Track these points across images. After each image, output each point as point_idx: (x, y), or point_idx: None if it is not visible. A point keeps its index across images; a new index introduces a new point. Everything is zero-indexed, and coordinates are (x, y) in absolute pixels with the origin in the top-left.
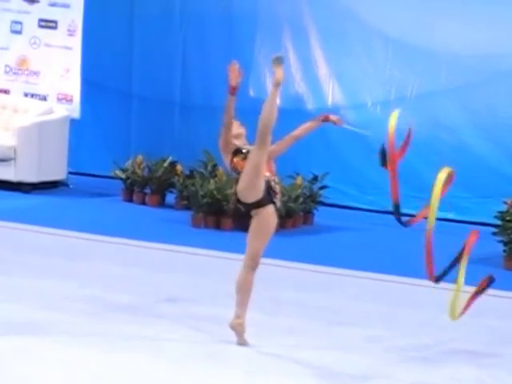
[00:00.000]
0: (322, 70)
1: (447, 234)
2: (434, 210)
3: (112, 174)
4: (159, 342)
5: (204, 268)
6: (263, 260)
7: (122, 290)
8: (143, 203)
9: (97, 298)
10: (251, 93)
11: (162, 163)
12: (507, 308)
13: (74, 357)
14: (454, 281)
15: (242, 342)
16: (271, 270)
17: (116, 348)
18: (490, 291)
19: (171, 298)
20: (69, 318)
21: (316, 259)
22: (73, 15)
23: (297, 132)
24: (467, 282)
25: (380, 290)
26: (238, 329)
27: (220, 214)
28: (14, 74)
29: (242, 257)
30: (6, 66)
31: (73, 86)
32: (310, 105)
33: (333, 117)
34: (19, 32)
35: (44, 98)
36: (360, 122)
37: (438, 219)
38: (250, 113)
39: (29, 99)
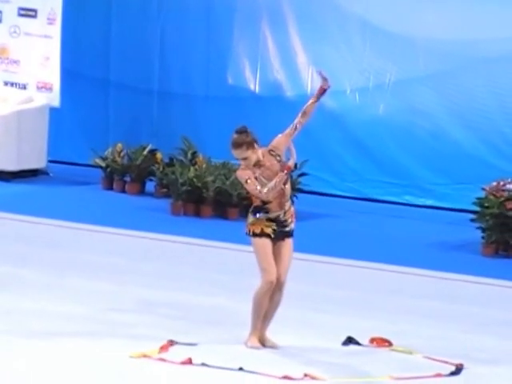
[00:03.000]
0: (301, 58)
1: (426, 220)
2: None
3: (92, 163)
4: (137, 329)
5: (184, 256)
6: (240, 247)
7: (102, 278)
8: (123, 191)
9: (77, 287)
10: (230, 81)
11: (141, 151)
12: (485, 294)
13: (52, 343)
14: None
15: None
16: (248, 257)
17: (99, 335)
18: (468, 277)
19: (153, 286)
20: (49, 306)
21: (295, 246)
22: (52, 4)
23: (306, 114)
24: (443, 269)
25: (359, 277)
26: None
27: (199, 202)
28: None
29: (222, 244)
30: None
31: (52, 74)
32: (289, 92)
33: (322, 82)
34: None
35: (24, 87)
36: (339, 109)
37: (417, 206)
38: (228, 100)
39: (8, 88)
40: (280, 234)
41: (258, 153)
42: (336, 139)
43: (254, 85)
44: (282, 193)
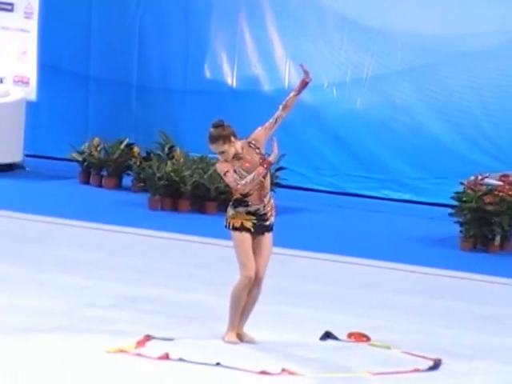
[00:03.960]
0: (279, 52)
1: (404, 215)
2: None
3: (69, 157)
4: (115, 325)
5: (162, 250)
6: (218, 241)
7: (79, 272)
8: (100, 186)
9: (55, 282)
10: (208, 75)
11: (118, 145)
12: (464, 289)
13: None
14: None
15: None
16: (226, 251)
17: (76, 331)
18: (446, 272)
19: (130, 281)
20: (25, 301)
21: (273, 241)
22: None
23: (287, 107)
24: (421, 263)
25: (337, 272)
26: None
27: (177, 196)
28: None
29: (200, 239)
30: None
31: (29, 68)
32: (267, 86)
33: (304, 75)
34: None
35: (0, 81)
36: (316, 103)
37: (395, 200)
38: (206, 95)
39: None
40: (260, 228)
41: (237, 145)
42: (314, 133)
43: (231, 79)
44: (261, 185)
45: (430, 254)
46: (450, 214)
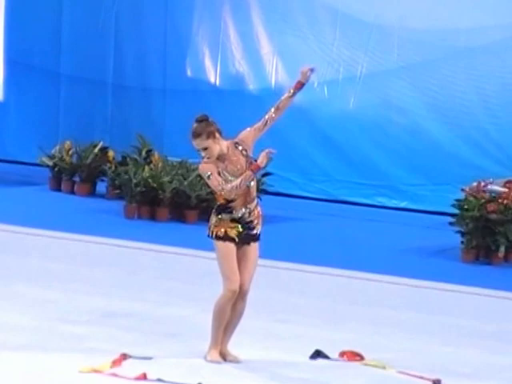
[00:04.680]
0: (265, 48)
1: (400, 224)
2: None
3: (38, 161)
4: (88, 342)
5: (138, 262)
6: (199, 253)
7: (50, 286)
8: (72, 192)
9: (24, 295)
10: (189, 73)
11: (92, 149)
12: (465, 304)
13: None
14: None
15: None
16: (209, 263)
17: (46, 348)
18: (446, 286)
19: (103, 294)
20: None
21: (259, 252)
22: None
23: (279, 108)
24: (419, 276)
25: (328, 285)
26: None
27: (155, 204)
28: None
29: (180, 250)
30: None
31: None
32: (252, 85)
33: (302, 74)
34: None
35: None
36: (306, 103)
37: (391, 208)
38: (187, 94)
39: None
40: (245, 237)
41: (222, 144)
42: (303, 136)
43: (214, 77)
44: (246, 191)
45: (428, 267)
46: (451, 223)
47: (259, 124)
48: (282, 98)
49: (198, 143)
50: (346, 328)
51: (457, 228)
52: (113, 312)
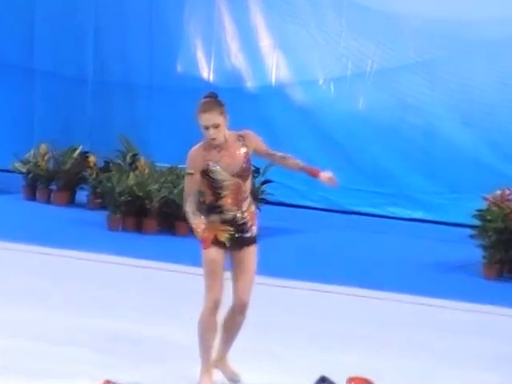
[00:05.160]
0: (264, 40)
1: (415, 237)
2: None
3: (11, 168)
4: (65, 366)
5: (123, 279)
6: (190, 269)
7: (23, 303)
8: (48, 202)
9: None
10: (178, 68)
11: (70, 153)
12: (488, 324)
13: None
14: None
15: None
16: (200, 280)
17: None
18: (467, 305)
19: (83, 314)
20: None
21: (258, 268)
22: None
23: (287, 159)
24: (436, 295)
25: (335, 305)
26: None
27: (141, 215)
28: None
29: (168, 265)
30: None
31: None
32: (250, 82)
33: (325, 175)
34: None
35: None
36: (310, 103)
37: (405, 219)
38: (176, 92)
39: None
40: (239, 241)
41: (225, 132)
42: (306, 139)
43: (207, 73)
44: (237, 187)
45: (446, 284)
46: (471, 236)
47: (267, 148)
48: (291, 158)
49: (209, 118)
50: (354, 350)
51: (478, 241)
52: (94, 332)
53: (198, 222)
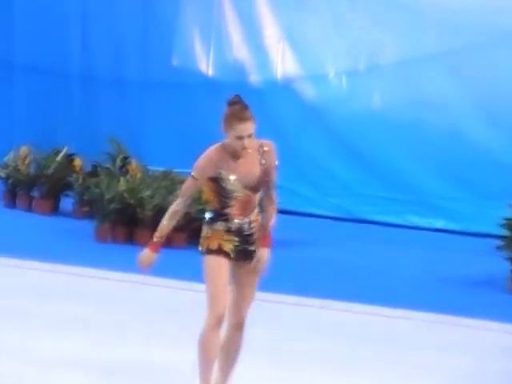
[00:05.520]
0: (270, 30)
1: (437, 248)
2: None
3: None
4: None
5: (112, 296)
6: (188, 285)
7: (0, 326)
8: (30, 210)
9: None
10: (174, 62)
11: (54, 156)
12: None
13: None
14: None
15: None
16: (200, 297)
17: None
18: (493, 325)
19: (70, 336)
20: None
21: (262, 284)
22: None
23: (269, 212)
24: (460, 313)
25: (347, 324)
26: None
27: (133, 225)
28: None
29: (164, 281)
30: None
31: None
32: (253, 76)
33: (261, 255)
34: None
35: None
36: (320, 99)
37: (425, 229)
38: (172, 88)
39: None
40: (243, 253)
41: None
42: (316, 140)
43: (206, 67)
44: (247, 198)
45: (471, 301)
46: (499, 248)
47: (272, 181)
48: (272, 216)
49: (246, 128)
50: (367, 376)
51: (506, 253)
52: (83, 358)
53: (153, 244)
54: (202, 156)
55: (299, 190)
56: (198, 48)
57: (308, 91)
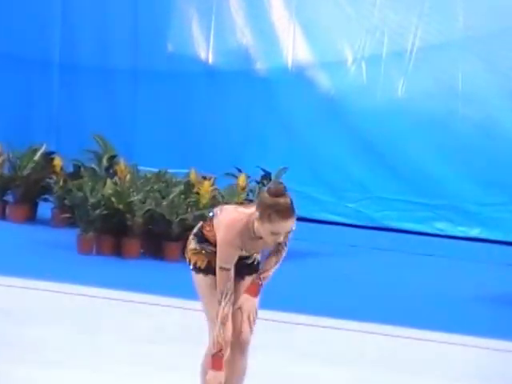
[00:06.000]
0: (278, 12)
1: (470, 260)
2: None
3: None
4: None
5: (98, 316)
6: (181, 302)
7: None
8: (3, 217)
9: None
10: (169, 47)
11: (31, 155)
12: None
13: None
14: None
15: None
16: (198, 315)
17: None
18: None
19: (50, 364)
20: None
21: (268, 301)
22: None
23: (272, 260)
24: (499, 335)
25: (367, 347)
26: None
27: (121, 234)
28: None
29: (155, 298)
30: None
31: None
32: (260, 63)
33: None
34: None
35: None
36: (336, 90)
37: (457, 238)
38: (167, 77)
39: None
40: (239, 269)
41: None
42: (331, 135)
43: (205, 53)
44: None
45: (510, 322)
46: None
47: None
48: (275, 264)
49: (289, 226)
50: None
51: None
52: None
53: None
54: (223, 241)
55: (312, 194)
56: (197, 31)
57: (323, 81)
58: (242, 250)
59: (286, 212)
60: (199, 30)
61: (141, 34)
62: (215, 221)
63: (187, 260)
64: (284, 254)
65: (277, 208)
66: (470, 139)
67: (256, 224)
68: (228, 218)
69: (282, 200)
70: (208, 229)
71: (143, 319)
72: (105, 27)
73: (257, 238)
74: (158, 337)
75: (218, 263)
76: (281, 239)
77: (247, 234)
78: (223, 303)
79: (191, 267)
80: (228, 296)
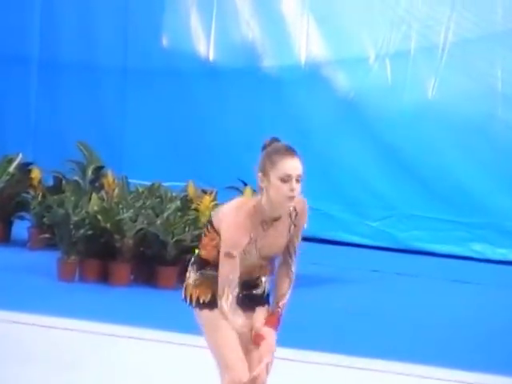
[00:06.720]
0: (290, 4)
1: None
2: None
3: None
4: None
5: (82, 353)
6: (179, 338)
7: None
8: None
9: None
10: (164, 42)
11: (5, 166)
12: None
13: None
14: None
15: None
16: (197, 352)
17: None
18: None
19: None
20: None
21: (282, 338)
22: None
23: (283, 287)
24: None
25: None
26: None
27: (109, 257)
28: None
29: (148, 333)
30: None
31: None
32: (268, 61)
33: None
34: None
35: None
36: (357, 91)
37: (496, 262)
38: (162, 76)
39: None
40: (247, 300)
41: None
42: (350, 141)
43: (205, 49)
44: (255, 266)
45: None
46: None
47: (296, 246)
48: (287, 291)
49: (298, 165)
50: None
51: None
52: None
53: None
54: (231, 223)
55: (329, 211)
56: (196, 25)
57: (341, 81)
58: (251, 238)
59: (287, 150)
60: (198, 22)
61: (131, 27)
62: (215, 220)
63: (188, 299)
64: (294, 269)
65: (275, 149)
66: (510, 147)
67: (264, 199)
68: (234, 202)
69: (278, 143)
70: (207, 241)
71: (131, 353)
72: (90, 19)
73: (268, 226)
74: (146, 372)
75: (223, 249)
76: (294, 190)
77: (256, 217)
78: (225, 295)
79: (193, 305)
80: (231, 286)
